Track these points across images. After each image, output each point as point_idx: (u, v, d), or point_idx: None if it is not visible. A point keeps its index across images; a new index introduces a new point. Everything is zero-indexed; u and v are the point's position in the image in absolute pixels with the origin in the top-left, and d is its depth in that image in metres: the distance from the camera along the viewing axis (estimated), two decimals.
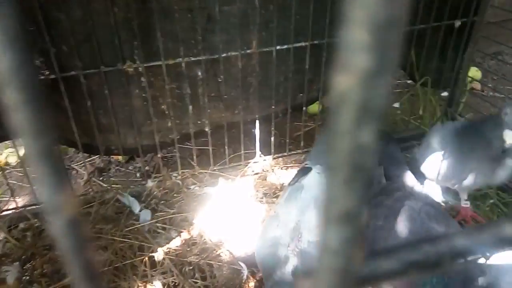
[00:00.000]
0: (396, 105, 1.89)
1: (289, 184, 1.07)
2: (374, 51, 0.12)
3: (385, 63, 0.12)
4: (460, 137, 1.13)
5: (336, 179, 0.13)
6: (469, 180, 1.12)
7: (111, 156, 1.57)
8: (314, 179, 0.99)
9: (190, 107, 1.26)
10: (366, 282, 0.15)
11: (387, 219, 0.93)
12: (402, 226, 0.89)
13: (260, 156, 1.47)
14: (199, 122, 1.32)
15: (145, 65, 1.16)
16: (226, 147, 1.37)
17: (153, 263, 1.15)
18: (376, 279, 0.15)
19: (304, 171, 1.03)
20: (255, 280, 1.11)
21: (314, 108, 1.67)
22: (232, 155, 1.46)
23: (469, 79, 1.63)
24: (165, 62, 1.16)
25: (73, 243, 0.16)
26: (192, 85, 1.24)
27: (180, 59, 1.17)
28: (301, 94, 1.41)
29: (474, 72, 1.84)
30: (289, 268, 0.87)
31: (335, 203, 0.13)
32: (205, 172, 1.40)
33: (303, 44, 1.28)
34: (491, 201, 1.29)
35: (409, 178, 1.07)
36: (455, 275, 0.80)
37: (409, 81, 1.87)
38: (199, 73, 1.23)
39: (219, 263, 1.16)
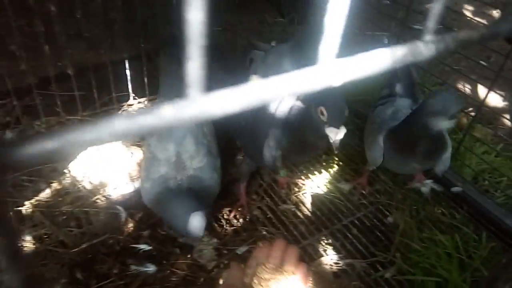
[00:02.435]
0: (273, 43, 1.93)
1: None
2: None
3: None
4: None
5: None
6: None
7: None
8: None
9: (46, 47, 1.14)
10: None
11: None
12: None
13: (134, 99, 1.42)
14: (59, 63, 1.21)
15: None
16: (94, 90, 1.28)
17: (21, 218, 1.08)
18: None
19: None
20: (134, 221, 1.11)
21: None
22: (103, 99, 1.37)
23: None
24: None
25: None
26: (46, 22, 1.12)
27: None
28: None
29: None
30: (182, 195, 0.90)
31: None
32: (74, 119, 1.31)
33: None
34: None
35: None
36: None
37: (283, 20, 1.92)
38: (52, 8, 1.11)
39: (96, 209, 1.13)
